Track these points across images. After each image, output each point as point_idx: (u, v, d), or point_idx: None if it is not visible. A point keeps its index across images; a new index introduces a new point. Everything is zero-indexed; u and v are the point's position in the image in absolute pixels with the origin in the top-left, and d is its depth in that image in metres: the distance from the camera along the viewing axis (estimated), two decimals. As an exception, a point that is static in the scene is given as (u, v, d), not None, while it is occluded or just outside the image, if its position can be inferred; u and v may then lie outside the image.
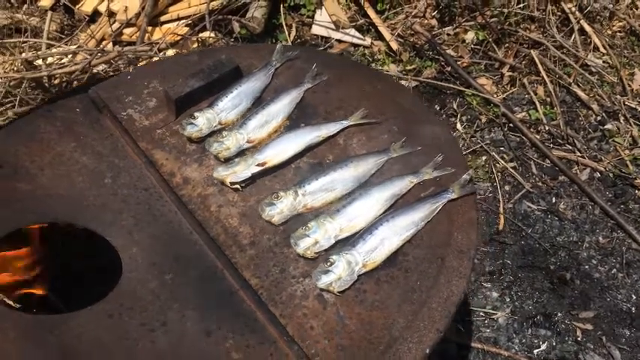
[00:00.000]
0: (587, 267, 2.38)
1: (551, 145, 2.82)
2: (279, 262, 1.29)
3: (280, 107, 1.57)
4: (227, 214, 1.38)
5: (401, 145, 1.46)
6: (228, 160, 1.46)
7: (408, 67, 3.10)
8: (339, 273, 1.20)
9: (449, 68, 3.08)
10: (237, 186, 1.40)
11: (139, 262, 1.28)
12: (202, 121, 1.52)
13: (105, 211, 1.37)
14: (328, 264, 1.20)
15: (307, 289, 1.23)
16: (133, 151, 1.51)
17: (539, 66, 3.11)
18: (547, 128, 2.88)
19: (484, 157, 2.73)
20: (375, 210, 1.32)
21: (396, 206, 1.35)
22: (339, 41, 3.26)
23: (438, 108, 2.87)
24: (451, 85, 2.98)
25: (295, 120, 1.57)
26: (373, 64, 3.11)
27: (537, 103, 2.97)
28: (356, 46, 3.25)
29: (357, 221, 1.31)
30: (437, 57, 3.13)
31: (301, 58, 1.73)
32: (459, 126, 2.85)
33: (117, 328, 1.14)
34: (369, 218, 1.31)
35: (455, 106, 2.92)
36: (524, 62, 3.18)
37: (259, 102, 1.62)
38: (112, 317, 1.16)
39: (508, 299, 2.29)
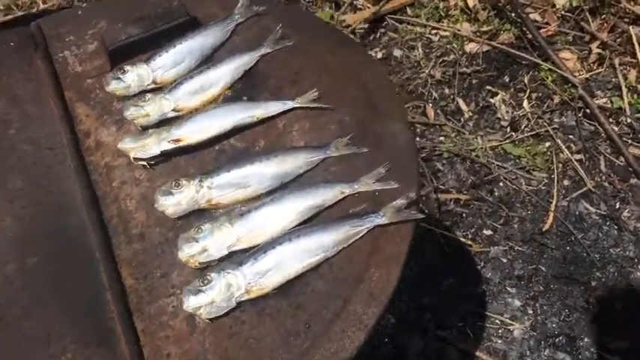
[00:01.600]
0: (637, 291, 2.03)
1: (630, 142, 2.38)
2: (164, 264, 1.09)
3: (223, 73, 1.32)
4: (127, 193, 1.19)
5: (346, 143, 1.18)
6: (145, 130, 1.24)
7: (483, 29, 2.70)
8: (213, 296, 0.98)
9: (529, 35, 2.65)
10: (143, 163, 1.19)
11: (9, 236, 1.11)
12: (132, 77, 1.31)
13: (-7, 169, 1.20)
14: (203, 282, 0.99)
15: (180, 305, 1.02)
16: (54, 101, 1.33)
17: (637, 47, 2.61)
18: (629, 121, 2.43)
19: (547, 144, 2.37)
20: (286, 222, 1.08)
21: (313, 221, 1.09)
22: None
23: (507, 80, 2.54)
24: (526, 56, 2.56)
25: (238, 91, 1.32)
26: (445, 21, 2.72)
27: (624, 89, 2.51)
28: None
29: (260, 232, 1.07)
30: (518, 20, 2.70)
31: (271, 14, 1.45)
32: (525, 104, 2.48)
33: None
34: (276, 231, 1.07)
35: (526, 80, 2.53)
36: (619, 40, 2.67)
37: (205, 62, 1.37)
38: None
39: (531, 311, 2.01)
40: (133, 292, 1.06)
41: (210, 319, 0.99)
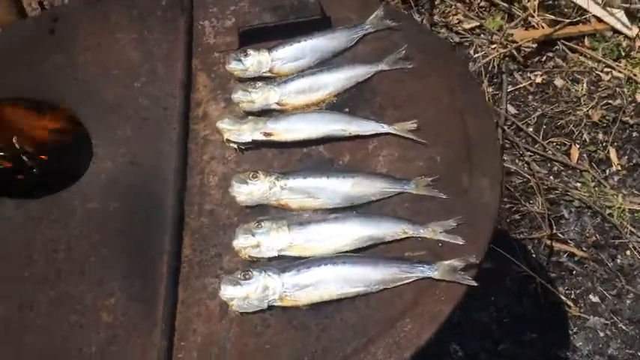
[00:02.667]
0: None
1: None
2: (221, 245, 1.15)
3: (336, 79, 1.33)
4: (213, 169, 1.26)
5: (428, 183, 1.15)
6: (246, 115, 1.30)
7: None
8: (248, 292, 1.02)
9: None
10: (234, 145, 1.25)
11: (101, 177, 1.24)
12: (252, 61, 1.37)
13: (112, 113, 1.34)
14: (243, 277, 1.03)
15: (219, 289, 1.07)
16: (181, 65, 1.43)
17: None
18: None
19: None
20: (340, 244, 1.08)
21: (366, 252, 1.08)
22: (598, 19, 2.62)
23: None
24: None
25: (344, 100, 1.33)
26: (622, 61, 2.50)
27: None
28: (615, 32, 2.59)
29: (312, 246, 1.09)
30: None
31: (403, 32, 1.43)
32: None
33: (29, 233, 1.12)
34: (327, 250, 1.08)
35: None
36: None
37: (324, 65, 1.39)
38: (35, 221, 1.14)
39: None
40: (187, 261, 1.13)
41: (240, 312, 1.03)
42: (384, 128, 1.24)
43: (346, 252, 1.08)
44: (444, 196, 1.13)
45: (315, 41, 1.40)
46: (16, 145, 1.47)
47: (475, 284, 1.01)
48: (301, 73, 1.35)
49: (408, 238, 1.09)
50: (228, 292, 1.02)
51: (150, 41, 1.46)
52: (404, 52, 1.36)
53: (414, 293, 1.03)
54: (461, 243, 1.06)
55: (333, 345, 0.99)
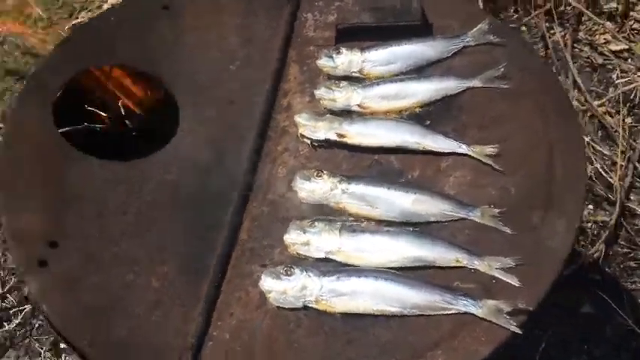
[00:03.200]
0: None
1: None
2: (275, 237, 1.16)
3: (424, 89, 1.30)
4: (284, 160, 1.28)
5: (494, 214, 1.08)
6: (326, 113, 1.31)
7: None
8: (286, 288, 1.03)
9: None
10: (307, 141, 1.26)
11: (181, 151, 1.30)
12: (343, 60, 1.36)
13: (203, 92, 1.40)
14: (285, 272, 1.04)
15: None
16: (277, 54, 1.46)
17: None
18: None
19: None
20: (388, 259, 1.06)
21: (413, 273, 1.05)
22: None
23: None
24: None
25: (426, 112, 1.29)
26: None
27: None
28: None
29: (359, 255, 1.07)
30: None
31: (506, 49, 1.35)
32: None
33: (105, 193, 1.21)
34: (373, 262, 1.06)
35: None
36: None
37: (415, 72, 1.35)
38: (113, 182, 1.23)
39: None
40: (240, 245, 1.16)
41: (276, 306, 1.04)
42: (462, 148, 1.18)
43: (392, 268, 1.04)
44: (510, 232, 1.06)
45: (410, 47, 1.36)
46: (121, 108, 1.59)
47: (519, 332, 0.94)
48: (389, 78, 1.32)
49: (460, 267, 1.04)
50: (268, 283, 1.04)
51: (252, 27, 1.50)
52: (502, 70, 1.28)
53: (453, 326, 0.98)
54: (516, 285, 0.99)
55: (357, 358, 0.97)
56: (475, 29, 1.36)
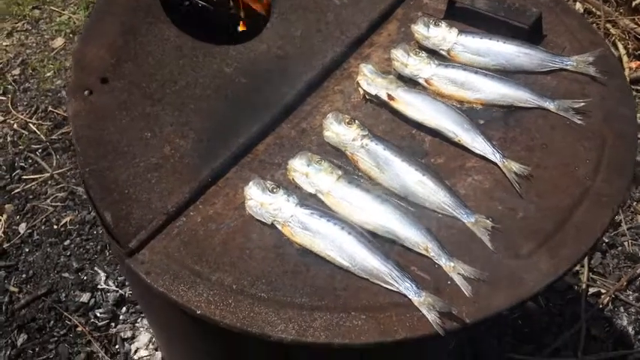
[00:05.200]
0: None
1: None
2: (287, 159, 1.18)
3: (494, 89, 1.25)
4: (334, 99, 1.31)
5: (487, 228, 1.04)
6: (392, 74, 1.31)
7: None
8: (264, 202, 1.08)
9: None
10: (360, 90, 1.28)
11: (250, 54, 1.37)
12: (437, 33, 1.34)
13: (299, 11, 1.45)
14: (270, 188, 1.09)
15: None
16: (388, 6, 1.47)
17: None
18: None
19: None
20: (364, 219, 1.06)
21: (379, 238, 1.04)
22: None
23: None
24: None
25: (485, 112, 1.24)
26: None
27: None
28: None
29: (343, 205, 1.08)
30: None
31: (603, 89, 1.25)
32: None
33: (169, 59, 1.32)
34: (350, 217, 1.07)
35: None
36: None
37: (500, 74, 1.30)
38: (180, 53, 1.34)
39: None
40: (253, 153, 1.20)
41: (249, 213, 1.09)
42: (494, 157, 1.13)
43: (365, 230, 1.05)
44: (492, 248, 1.01)
45: (507, 47, 1.30)
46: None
47: (440, 333, 0.91)
48: (472, 67, 1.28)
49: (426, 257, 1.02)
50: (251, 191, 1.09)
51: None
52: (583, 104, 1.19)
53: (387, 301, 0.97)
54: (467, 294, 0.95)
55: (290, 287, 1.00)
56: (580, 56, 1.27)
